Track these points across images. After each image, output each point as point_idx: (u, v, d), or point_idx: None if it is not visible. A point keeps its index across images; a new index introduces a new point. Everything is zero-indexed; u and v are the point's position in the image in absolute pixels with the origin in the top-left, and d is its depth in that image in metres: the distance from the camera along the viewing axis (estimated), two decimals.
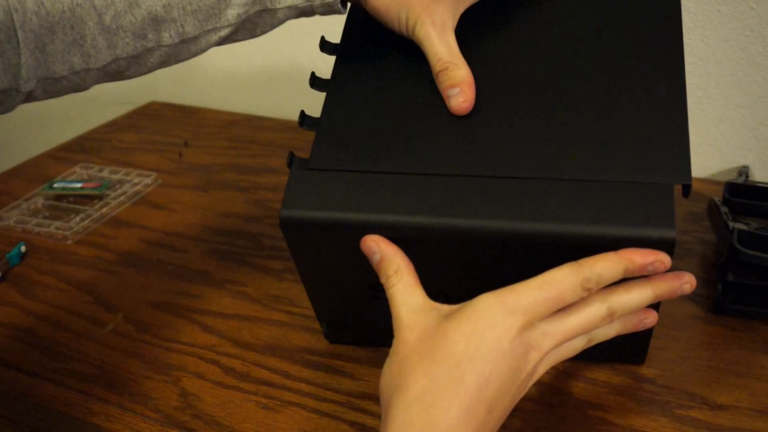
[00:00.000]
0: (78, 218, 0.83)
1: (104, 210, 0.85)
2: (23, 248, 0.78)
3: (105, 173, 0.95)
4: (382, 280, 0.44)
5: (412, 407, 0.38)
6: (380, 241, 0.45)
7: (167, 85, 1.23)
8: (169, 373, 0.59)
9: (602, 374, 0.55)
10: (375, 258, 0.45)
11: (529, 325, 0.40)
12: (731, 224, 0.61)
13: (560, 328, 0.41)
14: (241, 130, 1.09)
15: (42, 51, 0.44)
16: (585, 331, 0.43)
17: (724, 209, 0.65)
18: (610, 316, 0.42)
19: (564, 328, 0.41)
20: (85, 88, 0.48)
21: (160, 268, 0.74)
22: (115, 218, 0.84)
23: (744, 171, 0.79)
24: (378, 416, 0.53)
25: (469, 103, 0.48)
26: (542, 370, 0.42)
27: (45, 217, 0.85)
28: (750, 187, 0.73)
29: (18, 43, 0.42)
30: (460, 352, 0.39)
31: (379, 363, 0.58)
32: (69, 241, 0.80)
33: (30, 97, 0.46)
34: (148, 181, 0.92)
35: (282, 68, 1.11)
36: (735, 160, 0.83)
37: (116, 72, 0.48)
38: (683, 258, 0.68)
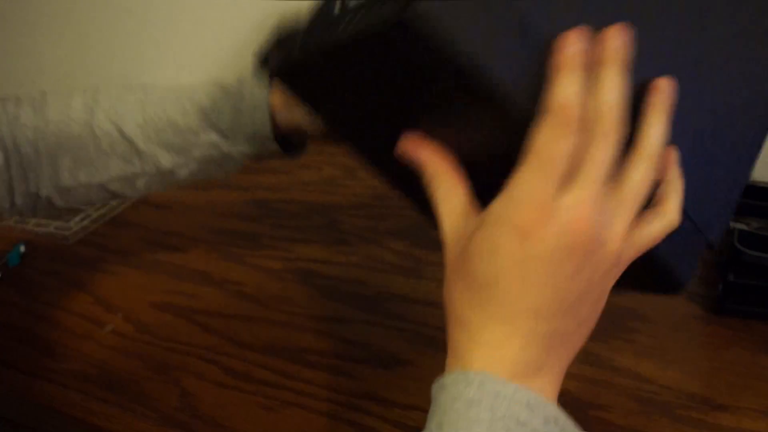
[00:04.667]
0: (78, 218, 0.83)
1: (104, 210, 0.85)
2: (22, 248, 0.78)
3: None
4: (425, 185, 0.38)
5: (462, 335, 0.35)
6: (421, 143, 0.38)
7: (167, 84, 1.23)
8: (169, 373, 0.59)
9: (603, 374, 0.55)
10: (416, 163, 0.38)
11: (547, 218, 0.32)
12: (732, 224, 0.61)
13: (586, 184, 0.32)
14: None
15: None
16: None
17: None
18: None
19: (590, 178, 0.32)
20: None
21: (160, 268, 0.74)
22: (115, 218, 0.84)
23: None
24: (378, 416, 0.52)
25: None
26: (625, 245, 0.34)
27: (44, 217, 0.85)
28: (751, 187, 0.73)
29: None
30: (480, 273, 0.34)
31: (379, 363, 0.59)
32: (69, 241, 0.80)
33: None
34: None
35: None
36: None
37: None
38: None
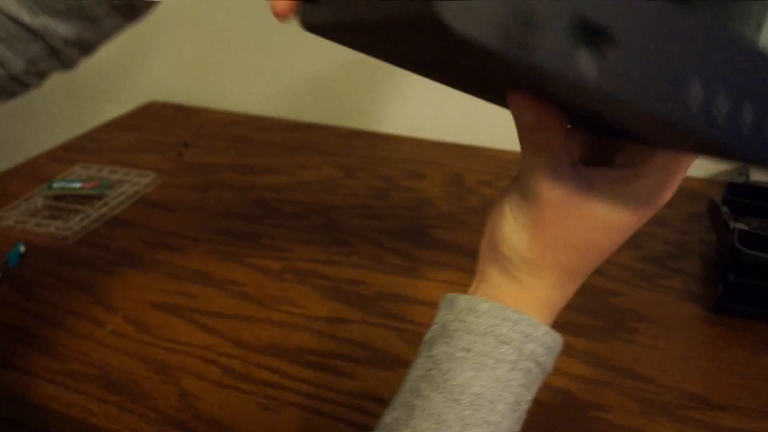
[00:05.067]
0: (77, 218, 0.83)
1: (104, 210, 0.85)
2: (22, 248, 0.78)
3: (104, 173, 0.95)
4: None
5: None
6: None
7: (167, 85, 1.23)
8: (168, 373, 0.59)
9: (603, 374, 0.55)
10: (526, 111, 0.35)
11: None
12: (732, 224, 0.61)
13: None
14: (241, 130, 1.09)
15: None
16: None
17: (724, 209, 0.65)
18: None
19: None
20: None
21: (160, 268, 0.74)
22: (114, 218, 0.84)
23: (744, 171, 0.79)
24: (378, 416, 0.52)
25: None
26: None
27: (44, 217, 0.85)
28: (751, 187, 0.73)
29: None
30: (575, 240, 0.37)
31: (378, 364, 0.59)
32: (69, 241, 0.80)
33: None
34: (148, 180, 0.92)
35: (282, 68, 1.11)
36: None
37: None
38: (684, 258, 0.68)
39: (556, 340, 0.36)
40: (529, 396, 0.35)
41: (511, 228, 0.37)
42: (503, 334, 0.35)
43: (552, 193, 0.35)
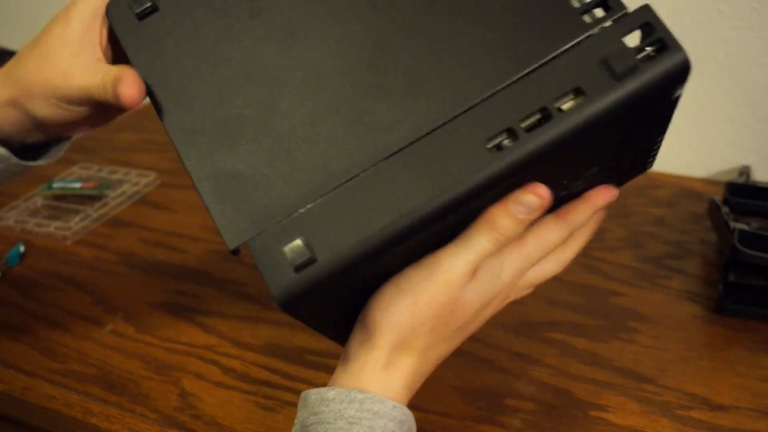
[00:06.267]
0: (77, 218, 0.83)
1: (104, 210, 0.85)
2: (22, 248, 0.78)
3: (104, 173, 0.95)
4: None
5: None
6: None
7: None
8: (168, 373, 0.59)
9: (603, 374, 0.55)
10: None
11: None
12: (732, 224, 0.61)
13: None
14: None
15: None
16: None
17: (725, 209, 0.65)
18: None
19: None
20: None
21: (160, 268, 0.74)
22: (114, 218, 0.84)
23: (745, 171, 0.79)
24: None
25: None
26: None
27: (44, 217, 0.85)
28: (751, 187, 0.73)
29: None
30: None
31: None
32: (68, 241, 0.80)
33: None
34: (148, 180, 0.92)
35: None
36: (736, 160, 0.83)
37: None
38: (684, 258, 0.68)
39: (405, 414, 0.38)
40: None
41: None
42: (352, 416, 0.36)
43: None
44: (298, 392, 0.55)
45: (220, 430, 0.53)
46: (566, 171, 0.39)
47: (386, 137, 0.37)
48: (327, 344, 0.61)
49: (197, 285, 0.70)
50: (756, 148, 0.82)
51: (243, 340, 0.62)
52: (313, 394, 0.38)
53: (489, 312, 0.41)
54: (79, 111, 0.45)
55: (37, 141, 0.50)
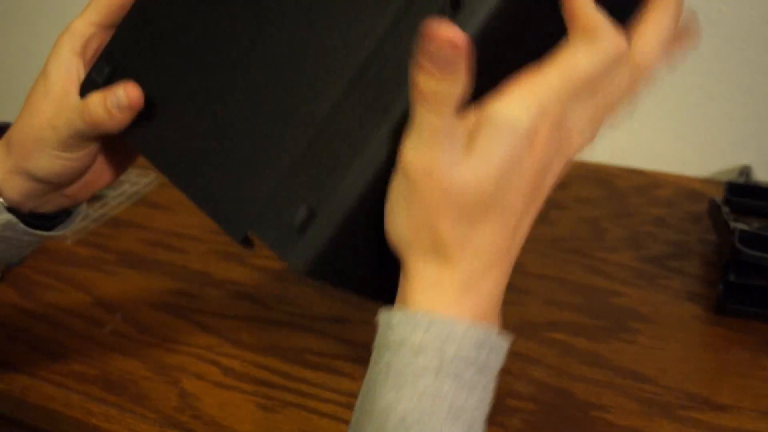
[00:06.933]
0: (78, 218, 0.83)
1: (103, 210, 0.85)
2: None
3: None
4: None
5: None
6: None
7: None
8: (168, 373, 0.59)
9: (603, 374, 0.55)
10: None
11: None
12: (732, 224, 0.61)
13: None
14: None
15: None
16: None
17: (725, 209, 0.65)
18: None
19: None
20: None
21: (160, 268, 0.74)
22: (114, 218, 0.84)
23: (745, 171, 0.79)
24: None
25: None
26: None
27: None
28: (751, 187, 0.73)
29: None
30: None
31: None
32: (68, 241, 0.80)
33: None
34: (148, 180, 0.92)
35: None
36: (736, 160, 0.83)
37: None
38: (684, 258, 0.68)
39: (485, 332, 0.31)
40: (472, 400, 0.31)
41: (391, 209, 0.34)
42: (417, 343, 0.31)
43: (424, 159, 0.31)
44: (298, 392, 0.55)
45: (220, 430, 0.53)
46: None
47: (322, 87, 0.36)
48: (327, 344, 0.61)
49: (197, 285, 0.70)
50: (756, 148, 0.82)
51: (243, 340, 0.62)
52: (382, 316, 0.34)
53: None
54: (79, 156, 0.45)
55: (53, 210, 0.51)
